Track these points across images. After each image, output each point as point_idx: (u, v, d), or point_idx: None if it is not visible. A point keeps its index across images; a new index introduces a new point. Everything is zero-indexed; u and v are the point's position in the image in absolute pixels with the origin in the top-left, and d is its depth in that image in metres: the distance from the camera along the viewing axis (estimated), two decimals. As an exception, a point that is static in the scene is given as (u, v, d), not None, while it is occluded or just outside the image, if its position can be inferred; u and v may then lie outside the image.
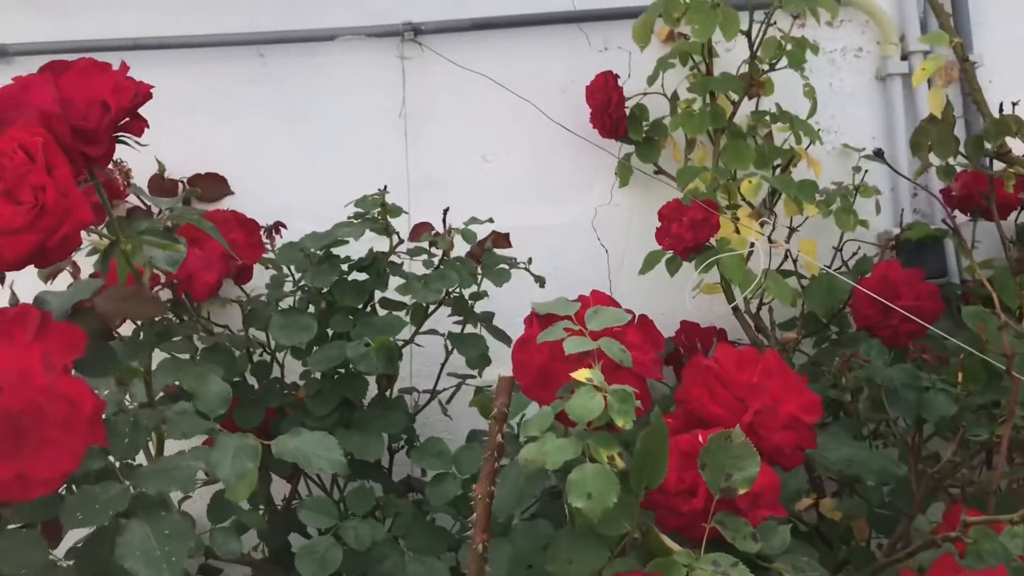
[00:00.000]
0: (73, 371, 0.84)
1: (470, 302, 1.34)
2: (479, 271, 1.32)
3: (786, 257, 1.43)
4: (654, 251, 1.38)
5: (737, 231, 1.35)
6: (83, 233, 0.87)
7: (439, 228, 1.36)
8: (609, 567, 0.77)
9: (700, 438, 0.87)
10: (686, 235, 1.30)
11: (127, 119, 0.86)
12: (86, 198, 0.79)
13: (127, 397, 1.03)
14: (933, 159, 1.32)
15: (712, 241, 1.33)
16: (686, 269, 1.37)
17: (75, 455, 0.71)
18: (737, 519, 0.82)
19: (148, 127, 0.87)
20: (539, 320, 0.86)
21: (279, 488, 1.34)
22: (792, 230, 1.44)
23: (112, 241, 0.87)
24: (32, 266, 0.79)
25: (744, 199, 1.42)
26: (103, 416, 0.91)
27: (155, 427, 0.96)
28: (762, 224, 1.36)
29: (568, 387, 0.81)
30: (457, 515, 1.18)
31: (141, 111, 0.87)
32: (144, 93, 0.86)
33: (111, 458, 0.88)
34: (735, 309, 1.39)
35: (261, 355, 1.38)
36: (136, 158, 1.49)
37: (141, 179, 1.50)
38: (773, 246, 1.27)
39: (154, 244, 0.87)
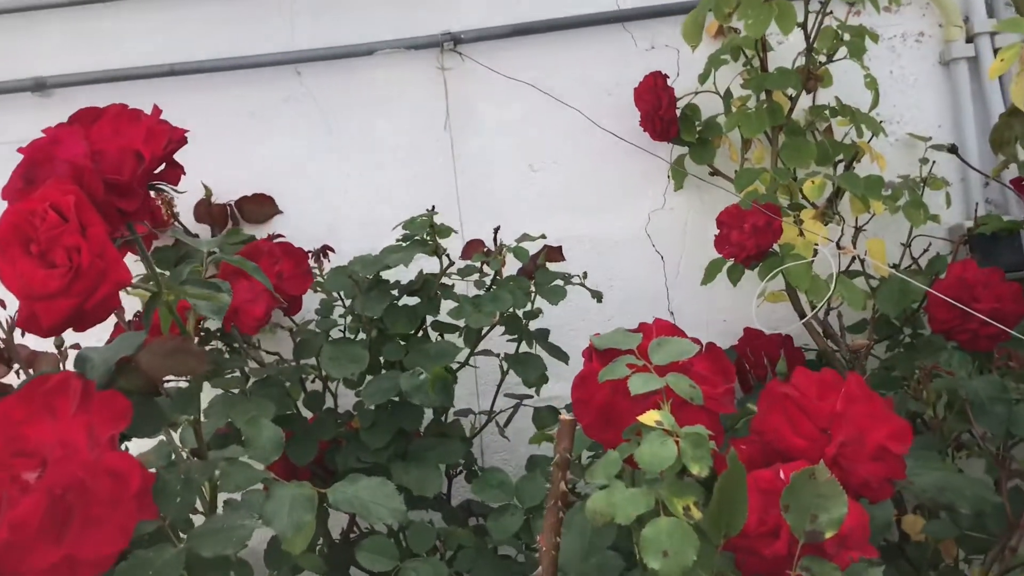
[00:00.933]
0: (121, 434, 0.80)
1: (524, 321, 1.28)
2: (532, 289, 1.27)
3: (853, 259, 1.36)
4: (715, 260, 1.31)
5: (801, 234, 1.27)
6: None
7: (490, 244, 1.30)
8: (690, 625, 0.71)
9: (782, 474, 0.80)
10: (748, 243, 1.23)
11: (162, 166, 0.82)
12: (122, 256, 0.75)
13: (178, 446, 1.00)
14: (1021, 153, 1.23)
15: (775, 246, 1.26)
16: (748, 274, 1.31)
17: (125, 533, 0.67)
18: (824, 564, 0.75)
19: (184, 174, 0.83)
20: (599, 355, 0.81)
21: (337, 519, 1.30)
22: (858, 230, 1.36)
23: (154, 293, 0.84)
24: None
25: (805, 199, 1.35)
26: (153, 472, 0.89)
27: (207, 480, 0.92)
28: (827, 225, 1.29)
29: (635, 427, 0.75)
30: (521, 547, 1.13)
31: (177, 155, 0.83)
32: (179, 139, 0.82)
33: (163, 517, 0.84)
34: (802, 315, 1.32)
35: (314, 381, 1.35)
36: (183, 185, 1.47)
37: (187, 205, 1.47)
38: (842, 252, 1.19)
39: (196, 296, 0.83)
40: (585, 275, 1.30)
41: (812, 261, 1.24)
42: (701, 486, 0.75)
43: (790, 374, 1.23)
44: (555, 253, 1.32)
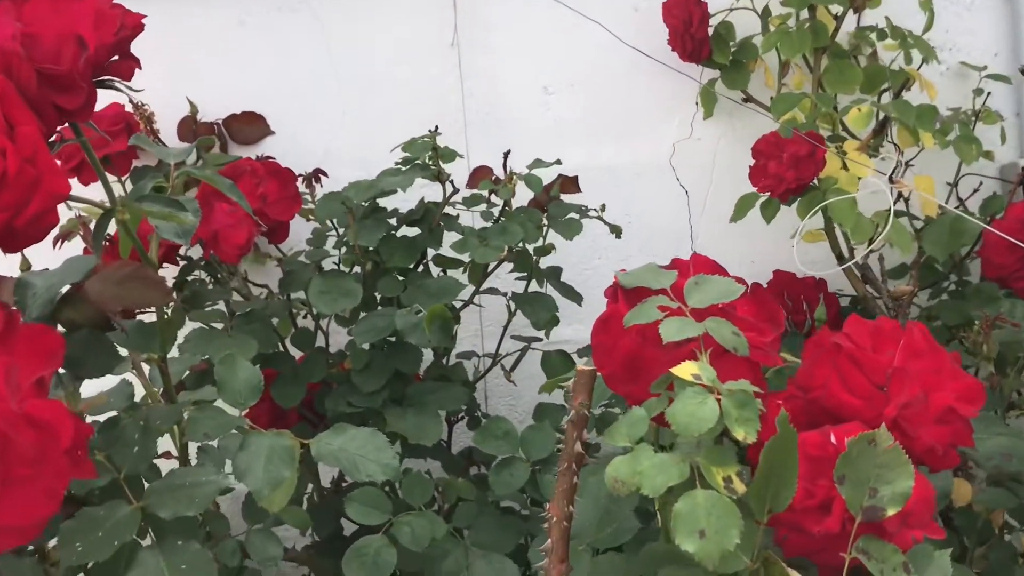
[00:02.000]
0: (66, 372, 0.68)
1: (535, 257, 1.15)
2: (545, 222, 1.13)
3: (898, 197, 1.21)
4: (747, 195, 1.17)
5: (844, 167, 1.13)
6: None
7: (499, 172, 1.17)
8: (723, 613, 0.60)
9: (832, 438, 0.68)
10: (787, 174, 1.09)
11: (113, 58, 0.68)
12: (62, 162, 0.62)
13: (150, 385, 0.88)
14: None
15: (815, 180, 1.12)
16: (779, 213, 1.17)
17: (53, 496, 0.55)
18: (884, 545, 0.63)
19: (140, 67, 0.69)
20: (625, 294, 0.67)
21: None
22: (906, 165, 1.21)
23: (106, 210, 0.70)
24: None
25: (846, 131, 1.20)
26: (109, 417, 0.77)
27: (171, 428, 0.80)
28: (873, 158, 1.14)
29: (666, 380, 0.63)
30: (526, 503, 1.02)
31: (134, 48, 0.70)
32: (133, 25, 0.68)
33: (118, 468, 0.73)
34: (841, 258, 1.19)
35: (305, 317, 1.23)
36: (166, 101, 1.33)
37: (171, 123, 1.33)
38: (895, 185, 1.05)
39: (156, 215, 0.70)
40: (603, 208, 1.16)
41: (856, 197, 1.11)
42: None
43: (830, 321, 1.09)
44: (570, 184, 1.18)
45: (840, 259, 1.19)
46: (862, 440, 0.63)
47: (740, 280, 0.68)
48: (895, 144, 1.12)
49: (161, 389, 0.90)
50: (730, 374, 0.61)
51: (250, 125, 1.35)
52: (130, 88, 0.70)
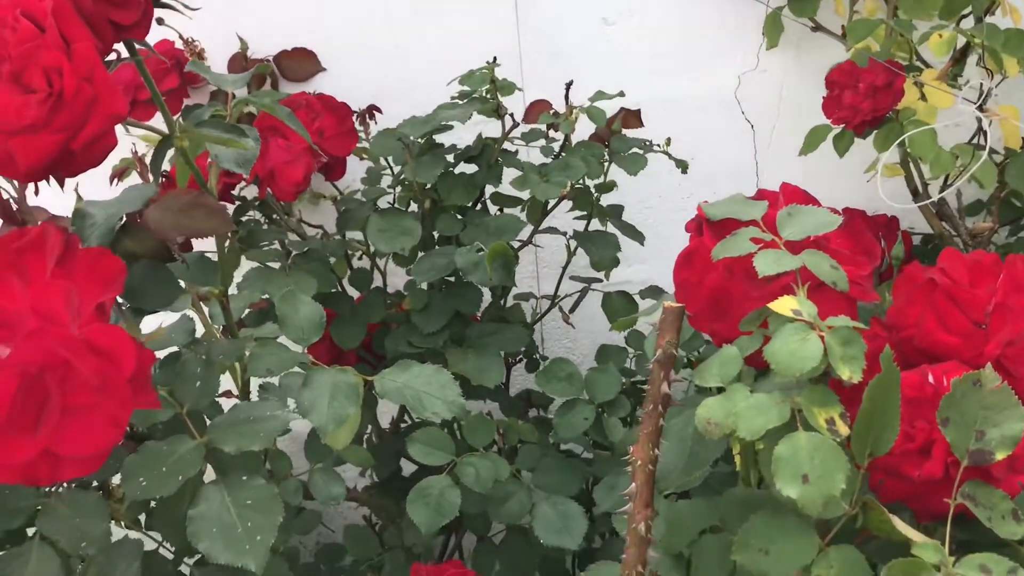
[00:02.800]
0: (125, 304, 0.65)
1: (596, 194, 1.10)
2: (607, 157, 1.08)
3: (978, 130, 1.14)
4: (818, 127, 1.11)
5: (923, 98, 1.06)
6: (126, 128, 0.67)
7: (558, 106, 1.11)
8: (820, 561, 0.55)
9: (930, 378, 0.63)
10: (863, 105, 1.02)
11: (169, -26, 0.64)
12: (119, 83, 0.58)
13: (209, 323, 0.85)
14: None
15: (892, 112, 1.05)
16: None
17: (116, 424, 0.52)
18: (991, 491, 0.58)
19: (196, -16, 0.65)
20: (711, 227, 0.63)
21: (387, 404, 1.16)
22: (987, 94, 1.13)
23: (165, 136, 0.67)
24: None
25: (921, 61, 1.13)
26: (170, 352, 0.74)
27: (233, 363, 0.78)
28: (953, 87, 1.07)
29: (756, 316, 0.58)
30: (588, 444, 0.98)
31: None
32: (188, -61, 0.64)
33: (180, 404, 0.70)
34: (916, 193, 1.12)
35: (360, 258, 1.19)
36: (214, 37, 1.29)
37: (221, 60, 1.28)
38: (986, 115, 0.98)
39: (216, 140, 0.66)
40: (668, 141, 1.10)
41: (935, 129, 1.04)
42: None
43: (909, 261, 1.03)
44: (633, 118, 1.13)
45: (915, 194, 1.13)
46: (967, 380, 0.58)
47: (834, 210, 0.63)
48: (987, 69, 1.04)
49: (221, 327, 0.87)
50: (828, 310, 0.56)
51: (301, 62, 1.30)
52: (186, 6, 0.66)
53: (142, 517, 0.84)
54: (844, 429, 0.53)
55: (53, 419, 0.51)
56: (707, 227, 0.63)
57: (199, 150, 0.71)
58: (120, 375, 0.52)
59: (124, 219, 0.67)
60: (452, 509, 0.85)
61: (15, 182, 0.95)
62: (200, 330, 0.85)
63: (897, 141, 0.99)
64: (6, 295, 0.52)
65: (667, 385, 0.57)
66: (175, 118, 0.68)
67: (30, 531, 0.69)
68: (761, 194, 0.65)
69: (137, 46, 0.64)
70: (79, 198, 0.97)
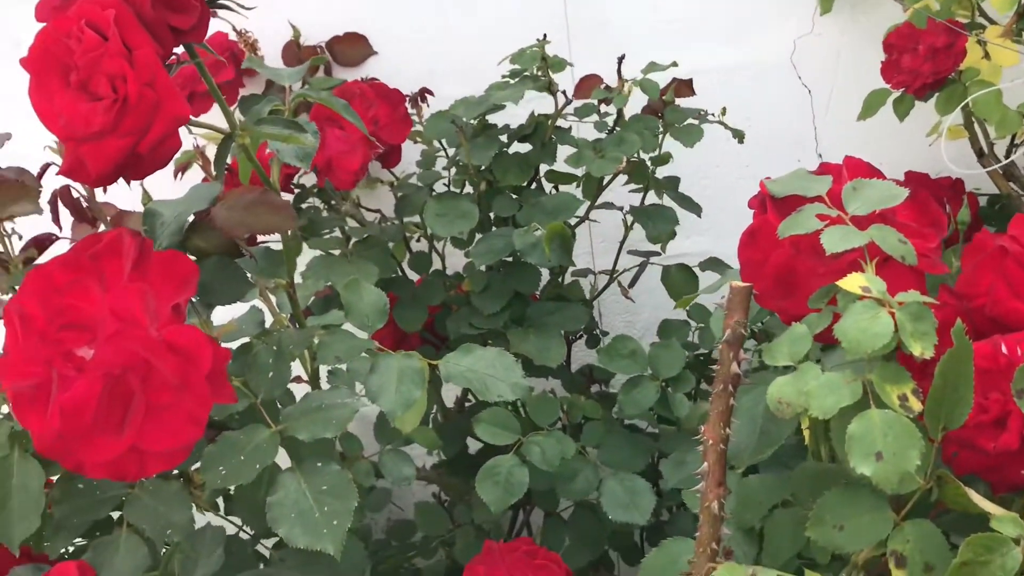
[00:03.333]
0: (198, 300, 0.66)
1: (651, 167, 1.08)
2: (661, 129, 1.06)
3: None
4: (877, 91, 1.07)
5: (987, 56, 1.02)
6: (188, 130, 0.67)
7: (609, 80, 1.09)
8: (896, 536, 0.55)
9: (1003, 348, 0.61)
10: (924, 68, 0.99)
11: (224, -24, 0.64)
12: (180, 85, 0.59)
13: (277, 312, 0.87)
14: None
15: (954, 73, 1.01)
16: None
17: (196, 422, 0.54)
18: (1071, 464, 0.57)
19: (252, -16, 0.65)
20: (775, 204, 0.61)
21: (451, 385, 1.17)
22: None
23: (226, 134, 0.68)
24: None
25: (984, 17, 1.08)
26: (242, 343, 0.76)
27: (303, 352, 0.79)
28: (1018, 43, 1.02)
29: (824, 293, 0.57)
30: (654, 422, 0.98)
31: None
32: (241, -60, 0.64)
33: (254, 394, 0.72)
34: (981, 155, 1.08)
35: (419, 240, 1.19)
36: (266, 27, 1.29)
37: (274, 49, 1.29)
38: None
39: (276, 137, 0.66)
40: (724, 111, 1.08)
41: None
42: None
43: (975, 223, 1.00)
44: (685, 87, 1.10)
45: (980, 156, 1.09)
46: (1043, 349, 0.57)
47: (898, 181, 0.61)
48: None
49: (288, 315, 0.89)
50: (896, 285, 0.55)
51: (353, 46, 1.30)
52: (242, 6, 0.66)
53: (220, 502, 0.86)
54: (917, 405, 0.52)
55: (138, 417, 0.52)
56: (771, 204, 0.61)
57: (258, 144, 0.72)
58: (198, 373, 0.53)
59: (192, 217, 0.68)
60: (520, 488, 0.86)
61: (85, 181, 0.97)
62: (269, 320, 0.87)
63: (961, 104, 0.96)
64: (86, 299, 0.53)
65: (737, 365, 0.57)
66: (235, 114, 0.69)
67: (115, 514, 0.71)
68: (824, 168, 0.64)
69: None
70: (146, 194, 1.00)
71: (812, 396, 0.52)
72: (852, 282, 0.53)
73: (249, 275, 0.71)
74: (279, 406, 0.74)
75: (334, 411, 0.68)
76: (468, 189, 1.10)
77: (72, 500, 0.70)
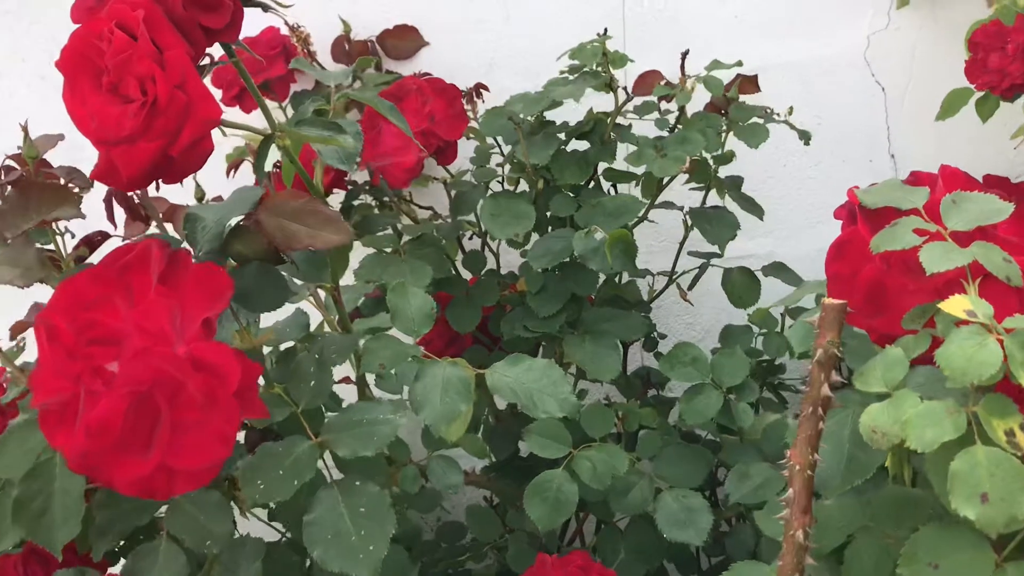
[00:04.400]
0: (237, 307, 0.62)
1: (713, 166, 1.01)
2: (724, 128, 0.99)
3: None
4: (958, 90, 0.98)
5: (1080, 51, 0.92)
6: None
7: (668, 75, 1.02)
8: (997, 577, 0.47)
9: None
10: (1012, 68, 0.89)
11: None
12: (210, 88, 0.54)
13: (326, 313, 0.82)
14: None
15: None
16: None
17: (224, 439, 0.49)
18: None
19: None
20: (866, 215, 0.54)
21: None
22: None
23: (266, 136, 0.63)
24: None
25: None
26: (285, 349, 0.71)
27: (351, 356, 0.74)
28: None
29: (921, 313, 0.50)
30: (715, 429, 0.91)
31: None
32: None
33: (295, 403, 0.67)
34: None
35: (471, 238, 1.14)
36: (319, 20, 1.24)
37: (323, 43, 1.24)
38: None
39: (315, 140, 0.61)
40: (791, 110, 1.00)
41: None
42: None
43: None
44: (749, 83, 1.02)
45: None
46: None
47: (1001, 194, 0.53)
48: None
49: (336, 317, 0.84)
50: (998, 305, 0.47)
51: (404, 39, 1.24)
52: (279, 4, 0.61)
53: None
54: (1024, 441, 0.44)
55: (165, 436, 0.48)
56: (861, 215, 0.54)
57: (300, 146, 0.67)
58: (226, 391, 0.48)
59: (234, 221, 0.64)
60: (570, 506, 0.80)
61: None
62: (316, 318, 0.82)
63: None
64: (111, 314, 0.49)
65: (828, 387, 0.50)
66: (276, 114, 0.64)
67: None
68: (916, 177, 0.56)
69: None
70: (199, 187, 0.96)
71: (910, 427, 0.45)
72: (955, 305, 0.46)
73: (292, 280, 0.66)
74: (323, 411, 0.70)
75: (376, 427, 0.63)
76: (523, 187, 1.04)
77: (114, 506, 0.67)
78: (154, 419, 0.48)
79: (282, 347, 0.77)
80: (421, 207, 1.13)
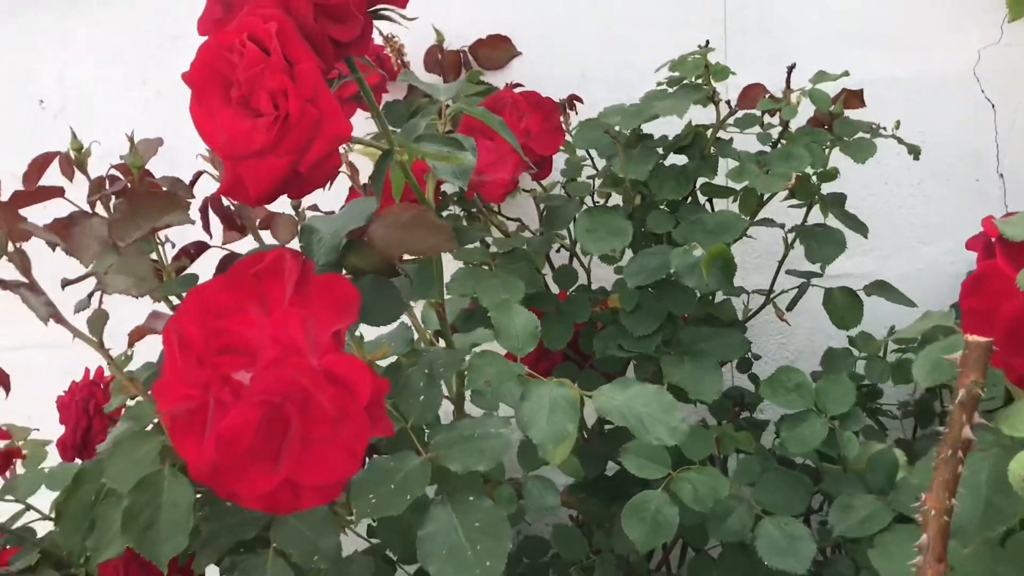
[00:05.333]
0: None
1: (816, 183, 0.99)
2: (828, 143, 0.97)
3: None
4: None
5: None
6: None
7: (770, 88, 1.00)
8: None
9: None
10: None
11: (387, -17, 0.60)
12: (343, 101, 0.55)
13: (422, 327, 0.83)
14: None
15: None
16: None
17: (353, 455, 0.50)
18: None
19: (414, -7, 0.61)
20: (1005, 248, 0.52)
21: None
22: None
23: (385, 151, 0.63)
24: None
25: None
26: (390, 363, 0.72)
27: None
28: None
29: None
30: (817, 460, 0.89)
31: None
32: (406, -55, 0.60)
33: (404, 418, 0.67)
34: None
35: (558, 251, 1.14)
36: (410, 30, 1.25)
37: (416, 53, 1.26)
38: None
39: (435, 156, 0.62)
40: (898, 124, 0.98)
41: None
42: None
43: None
44: (854, 98, 1.00)
45: None
46: None
47: None
48: None
49: (429, 331, 0.85)
50: None
51: (496, 49, 1.25)
52: (403, 16, 0.62)
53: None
54: None
55: (294, 449, 0.48)
56: (1000, 248, 0.52)
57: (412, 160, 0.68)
58: (357, 405, 0.49)
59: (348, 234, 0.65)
60: (670, 528, 0.79)
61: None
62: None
63: None
64: (245, 322, 0.50)
65: (970, 430, 0.48)
66: (363, 125, 0.65)
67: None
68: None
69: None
70: (298, 203, 0.98)
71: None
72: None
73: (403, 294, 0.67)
74: (424, 430, 0.70)
75: (488, 442, 0.63)
76: (614, 200, 1.03)
77: (220, 518, 0.68)
78: (283, 432, 0.49)
79: (382, 362, 0.77)
80: (509, 219, 1.13)
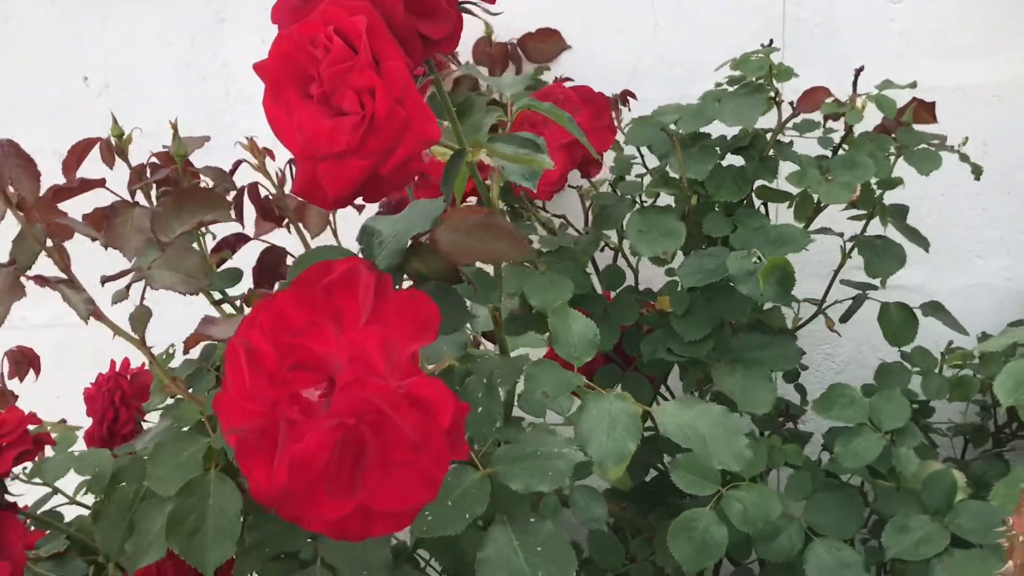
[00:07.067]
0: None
1: (878, 192, 0.96)
2: (892, 151, 0.94)
3: None
4: None
5: None
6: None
7: (837, 92, 0.97)
8: None
9: None
10: None
11: (473, -23, 0.57)
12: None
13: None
14: None
15: None
16: None
17: (431, 482, 0.47)
18: None
19: (500, -17, 0.58)
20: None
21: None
22: None
23: (456, 151, 0.61)
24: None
25: None
26: (443, 370, 0.70)
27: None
28: None
29: None
30: (871, 480, 0.87)
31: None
32: (493, -62, 0.57)
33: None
34: None
35: (602, 250, 1.11)
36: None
37: (464, 45, 1.23)
38: None
39: (509, 158, 0.59)
40: (966, 140, 0.95)
41: None
42: None
43: None
44: (925, 111, 0.97)
45: None
46: None
47: None
48: None
49: (472, 335, 0.83)
50: None
51: (546, 42, 1.22)
52: (488, 11, 0.59)
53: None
54: None
55: (373, 475, 0.46)
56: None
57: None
58: (438, 430, 0.47)
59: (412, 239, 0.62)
60: (718, 549, 0.77)
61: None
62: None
63: None
64: (318, 338, 0.48)
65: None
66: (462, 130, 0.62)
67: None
68: None
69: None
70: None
71: None
72: None
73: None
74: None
75: (552, 462, 0.61)
76: (663, 200, 1.01)
77: (265, 527, 0.66)
78: (357, 456, 0.47)
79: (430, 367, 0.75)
80: (554, 215, 1.11)
